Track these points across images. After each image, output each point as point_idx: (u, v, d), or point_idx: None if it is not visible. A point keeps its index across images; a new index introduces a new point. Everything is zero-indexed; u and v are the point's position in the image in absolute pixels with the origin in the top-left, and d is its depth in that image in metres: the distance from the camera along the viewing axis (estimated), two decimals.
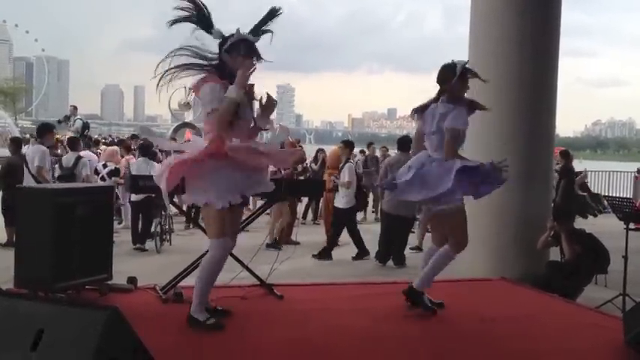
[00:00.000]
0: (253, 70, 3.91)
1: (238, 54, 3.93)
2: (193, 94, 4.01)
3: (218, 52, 3.98)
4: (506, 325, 4.42)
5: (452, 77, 4.38)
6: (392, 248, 8.48)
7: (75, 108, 16.04)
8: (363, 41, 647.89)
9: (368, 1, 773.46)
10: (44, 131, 9.18)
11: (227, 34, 3.97)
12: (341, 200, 9.04)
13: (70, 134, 15.06)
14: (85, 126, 15.07)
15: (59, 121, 16.17)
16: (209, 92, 3.84)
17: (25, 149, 9.95)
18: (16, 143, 9.68)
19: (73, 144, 10.01)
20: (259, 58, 3.99)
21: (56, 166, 9.54)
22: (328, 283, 5.82)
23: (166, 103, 36.28)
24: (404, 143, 8.57)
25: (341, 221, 9.10)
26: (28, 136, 24.30)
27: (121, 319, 2.69)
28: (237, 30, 3.96)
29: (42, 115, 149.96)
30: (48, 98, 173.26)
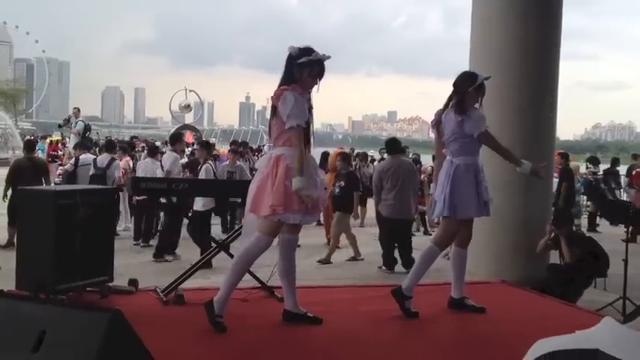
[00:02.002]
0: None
1: (310, 75, 4.00)
2: (271, 101, 4.06)
3: (287, 62, 4.04)
4: (506, 328, 4.42)
5: (469, 85, 4.50)
6: (399, 252, 8.24)
7: (78, 110, 16.11)
8: (363, 44, 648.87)
9: (367, 4, 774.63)
10: (175, 139, 9.61)
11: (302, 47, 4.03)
12: (198, 203, 8.30)
13: (72, 136, 15.14)
14: (87, 128, 15.10)
15: (60, 125, 16.29)
16: (292, 102, 3.90)
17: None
18: (28, 145, 10.04)
19: (108, 146, 10.37)
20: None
21: (90, 165, 9.63)
22: (329, 286, 5.83)
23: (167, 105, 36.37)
24: (393, 147, 8.28)
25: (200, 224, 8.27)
26: (27, 137, 24.28)
27: (123, 321, 2.70)
28: (315, 51, 4.00)
29: (42, 116, 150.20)
30: (48, 100, 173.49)
